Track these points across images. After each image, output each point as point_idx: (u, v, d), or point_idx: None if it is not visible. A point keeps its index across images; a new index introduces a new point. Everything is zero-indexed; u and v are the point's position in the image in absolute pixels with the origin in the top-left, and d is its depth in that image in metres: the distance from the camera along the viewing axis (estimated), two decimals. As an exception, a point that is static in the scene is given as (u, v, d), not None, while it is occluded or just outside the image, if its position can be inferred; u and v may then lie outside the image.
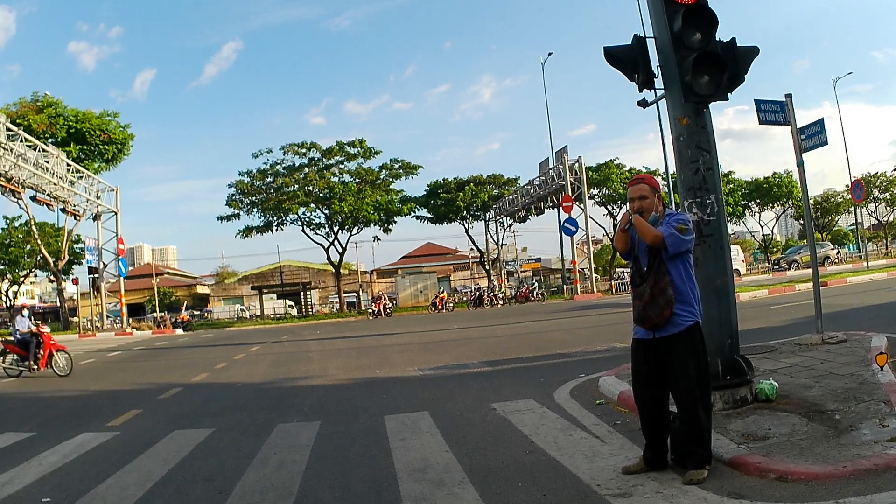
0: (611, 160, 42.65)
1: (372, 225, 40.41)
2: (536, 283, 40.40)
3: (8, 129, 25.78)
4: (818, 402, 4.83)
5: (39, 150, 27.75)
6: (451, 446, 4.82)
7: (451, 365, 9.76)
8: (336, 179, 38.82)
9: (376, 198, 38.85)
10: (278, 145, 49.57)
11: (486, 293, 35.95)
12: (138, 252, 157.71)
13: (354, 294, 51.29)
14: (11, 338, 12.83)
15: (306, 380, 9.49)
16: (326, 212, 39.04)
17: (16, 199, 30.41)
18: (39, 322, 13.68)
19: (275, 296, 47.66)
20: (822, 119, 8.01)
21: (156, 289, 45.38)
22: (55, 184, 29.15)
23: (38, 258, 42.00)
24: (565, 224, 34.09)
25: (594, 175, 39.89)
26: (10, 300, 50.76)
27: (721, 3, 5.36)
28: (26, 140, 26.93)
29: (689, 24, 5.00)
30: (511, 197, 41.83)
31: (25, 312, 13.07)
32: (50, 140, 31.24)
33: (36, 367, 12.05)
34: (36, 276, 55.25)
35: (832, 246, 48.32)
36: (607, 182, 40.51)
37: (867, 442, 3.84)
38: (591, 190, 38.81)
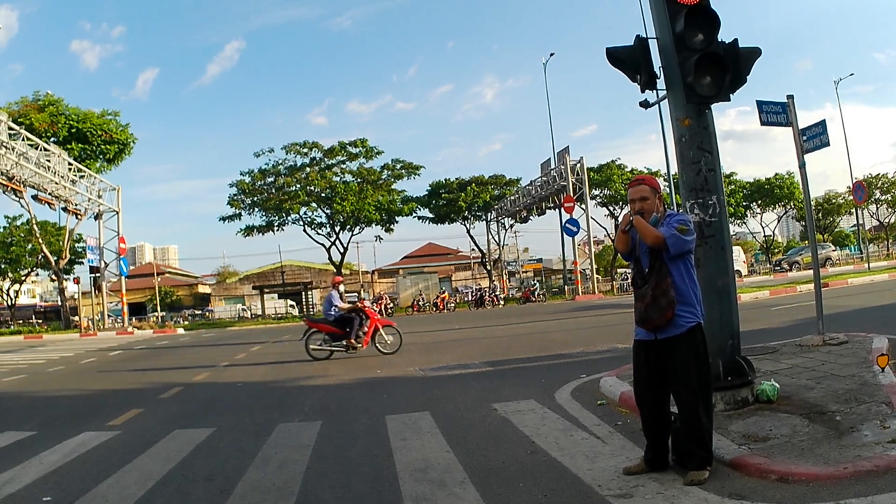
0: (612, 161, 42.66)
1: (373, 225, 40.44)
2: (538, 284, 40.37)
3: (9, 128, 25.82)
4: (819, 404, 4.83)
5: (41, 149, 27.78)
6: (453, 446, 4.82)
7: (453, 365, 9.75)
8: (338, 179, 38.84)
9: (378, 198, 38.85)
10: (280, 145, 49.64)
11: (486, 293, 35.95)
12: (140, 251, 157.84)
13: (356, 294, 51.30)
14: (321, 316, 11.95)
15: (307, 379, 9.48)
16: (328, 211, 39.06)
17: (17, 198, 30.47)
18: (362, 297, 12.99)
19: (276, 295, 47.65)
20: (824, 120, 8.00)
21: (157, 288, 45.37)
22: (57, 183, 29.18)
23: (40, 257, 42.03)
24: (567, 225, 34.07)
25: (596, 176, 39.85)
26: (12, 299, 50.81)
27: (722, 4, 5.36)
28: (28, 139, 26.96)
29: (692, 24, 5.00)
30: (512, 197, 41.83)
31: (342, 287, 11.97)
32: (52, 139, 31.29)
33: (359, 345, 11.37)
34: (37, 275, 55.21)
35: (833, 247, 48.33)
36: (609, 183, 40.46)
37: (868, 443, 3.84)
38: (593, 190, 38.79)
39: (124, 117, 40.65)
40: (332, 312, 11.55)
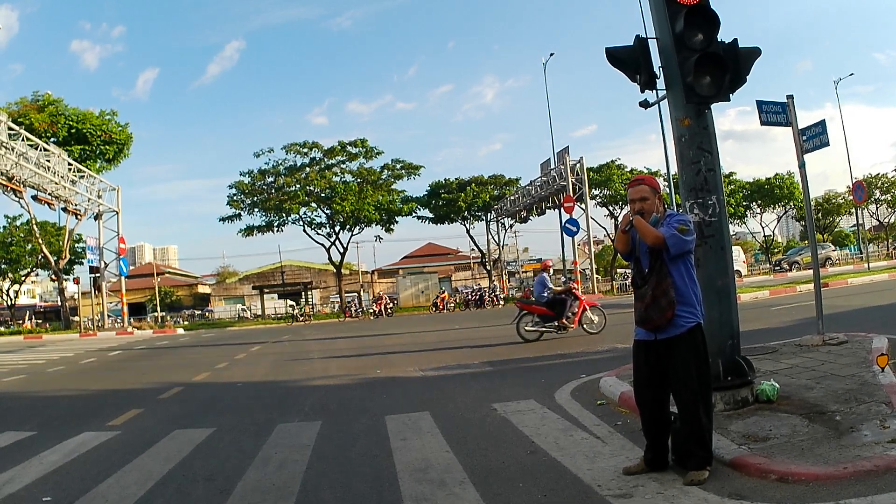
0: (612, 161, 42.68)
1: (373, 225, 40.43)
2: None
3: (9, 129, 25.84)
4: (819, 404, 4.83)
5: (41, 150, 27.80)
6: (452, 446, 4.82)
7: (452, 365, 9.75)
8: (337, 179, 38.84)
9: (378, 198, 38.85)
10: (280, 145, 49.67)
11: (486, 293, 35.93)
12: (139, 251, 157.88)
13: (355, 294, 51.32)
14: (531, 299, 12.41)
15: (307, 379, 9.49)
16: (328, 212, 39.05)
17: (17, 199, 30.50)
18: (571, 279, 13.50)
19: (276, 296, 47.66)
20: (824, 120, 8.00)
21: (157, 288, 45.35)
22: (56, 183, 29.20)
23: (40, 257, 42.03)
24: (566, 225, 34.01)
25: (595, 176, 39.86)
26: (12, 300, 50.79)
27: (722, 4, 5.36)
28: (28, 139, 26.99)
29: (691, 24, 5.00)
30: (512, 197, 41.80)
31: (551, 271, 12.30)
32: (51, 139, 31.31)
33: (570, 325, 11.81)
34: (37, 275, 55.23)
35: (833, 247, 48.35)
36: (609, 183, 40.48)
37: (868, 443, 3.84)
38: (593, 190, 38.80)
39: (123, 117, 40.90)
40: (545, 295, 11.91)
